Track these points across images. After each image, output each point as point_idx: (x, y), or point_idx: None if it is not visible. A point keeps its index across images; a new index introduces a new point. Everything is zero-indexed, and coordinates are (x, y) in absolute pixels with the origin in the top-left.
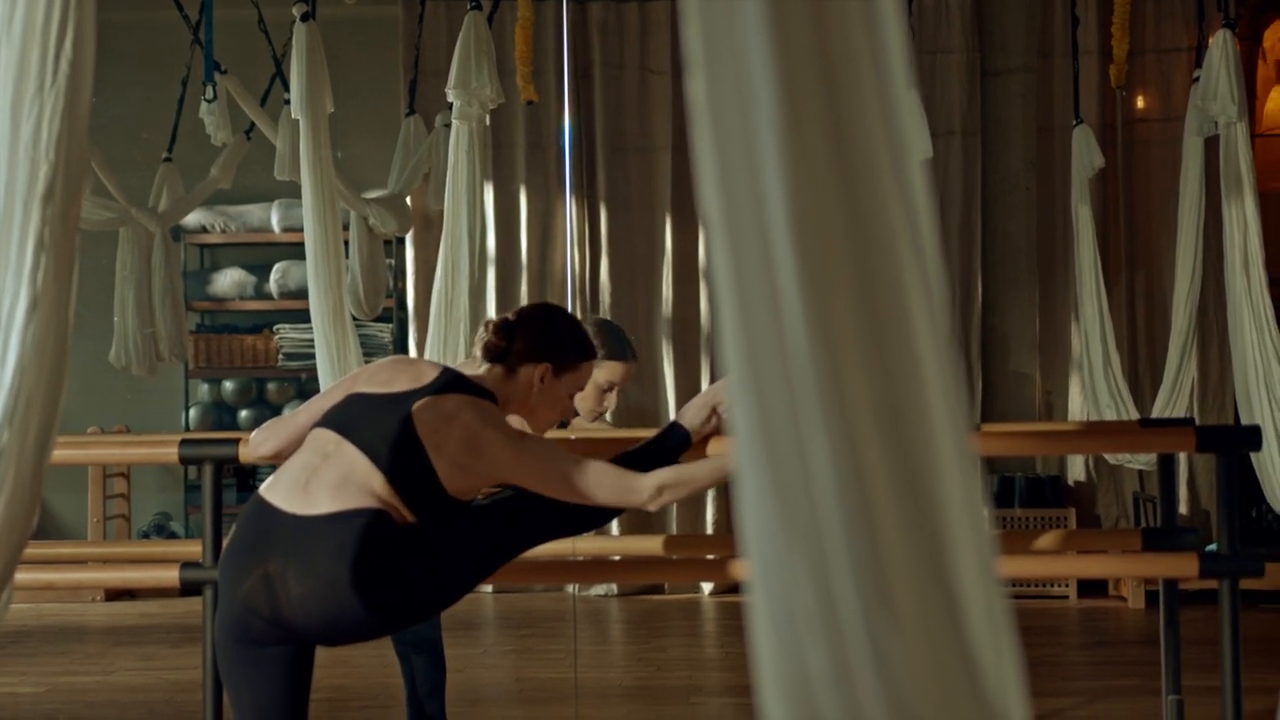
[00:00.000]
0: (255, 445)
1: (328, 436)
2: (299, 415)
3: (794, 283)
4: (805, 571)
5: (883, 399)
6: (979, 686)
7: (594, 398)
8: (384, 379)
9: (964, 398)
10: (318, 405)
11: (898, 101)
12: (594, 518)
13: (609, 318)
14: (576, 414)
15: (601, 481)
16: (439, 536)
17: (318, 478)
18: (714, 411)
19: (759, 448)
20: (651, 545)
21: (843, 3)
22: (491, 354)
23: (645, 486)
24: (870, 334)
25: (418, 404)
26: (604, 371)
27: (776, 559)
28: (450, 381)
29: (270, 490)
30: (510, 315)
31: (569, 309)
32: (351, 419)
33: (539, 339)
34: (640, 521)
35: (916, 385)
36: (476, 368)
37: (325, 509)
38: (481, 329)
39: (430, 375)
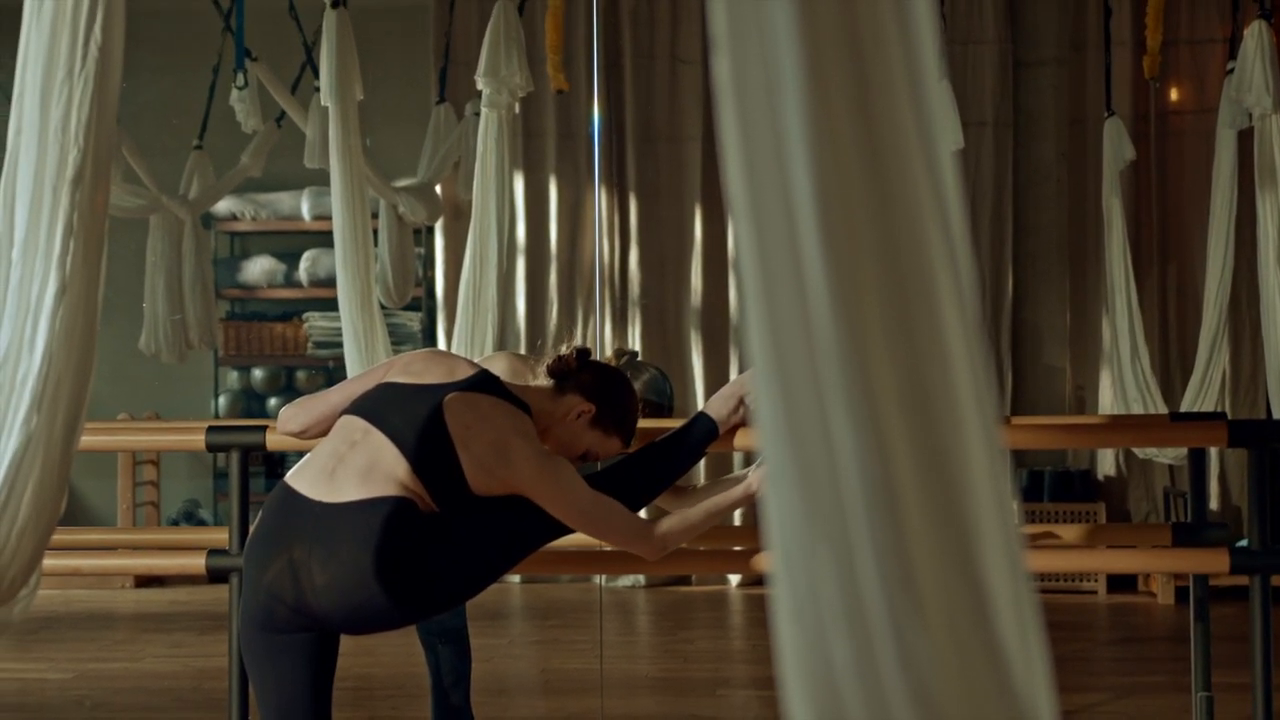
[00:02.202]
0: (284, 421)
1: (356, 424)
2: (331, 395)
3: (820, 272)
4: (830, 562)
5: (910, 389)
6: (1005, 680)
7: None
8: (417, 370)
9: (992, 388)
10: (350, 388)
11: (928, 85)
12: None
13: (659, 367)
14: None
15: (613, 523)
16: (464, 526)
17: (344, 465)
18: (741, 402)
19: (784, 437)
20: None
21: None
22: (557, 368)
23: (652, 538)
24: (898, 323)
25: (449, 396)
26: None
27: (801, 549)
28: (485, 381)
29: (296, 477)
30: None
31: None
32: (381, 407)
33: (603, 385)
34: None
35: (944, 375)
36: (518, 376)
37: (351, 496)
38: (565, 345)
39: (465, 372)
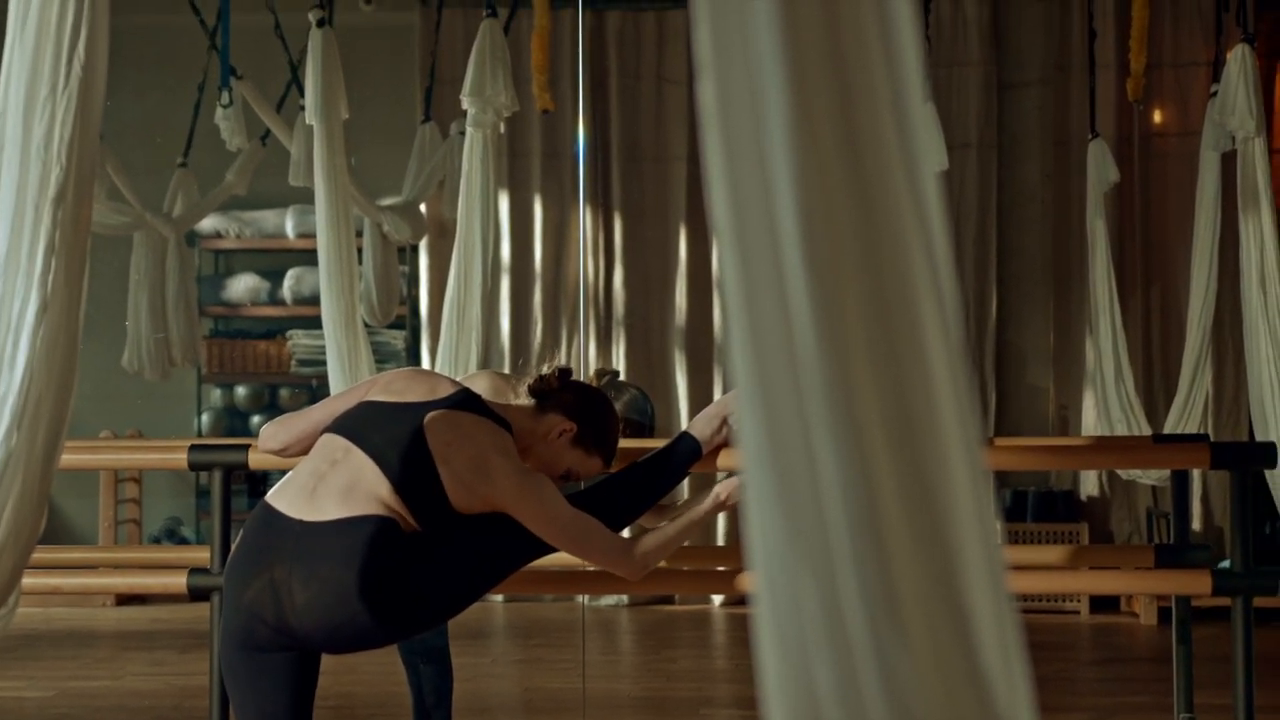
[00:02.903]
0: (265, 439)
1: (337, 443)
2: (312, 413)
3: (804, 292)
4: (812, 585)
5: (893, 411)
6: (988, 703)
7: None
8: (398, 389)
9: (976, 410)
10: (332, 407)
11: (912, 109)
12: None
13: (640, 388)
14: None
15: (594, 541)
16: (446, 545)
17: (325, 484)
18: (724, 422)
19: (767, 459)
20: None
21: (856, 6)
22: (539, 387)
23: (633, 557)
24: (882, 345)
25: (430, 415)
26: None
27: (783, 571)
28: (466, 400)
29: (277, 496)
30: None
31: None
32: (362, 426)
33: (585, 405)
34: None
35: (928, 398)
36: (500, 395)
37: (332, 515)
38: (546, 366)
39: (446, 390)
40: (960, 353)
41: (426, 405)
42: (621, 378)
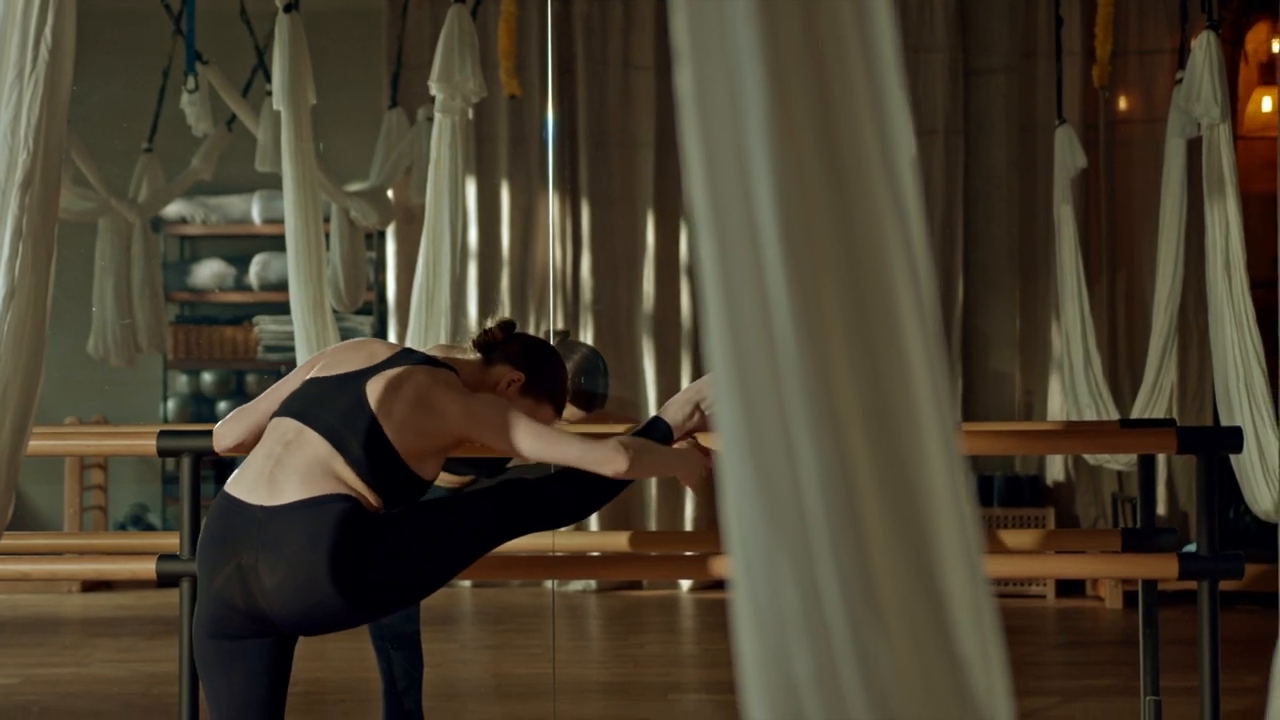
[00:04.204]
0: (219, 438)
1: (287, 424)
2: (260, 403)
3: (782, 279)
4: (790, 572)
5: (871, 397)
6: (965, 688)
7: None
8: (338, 362)
9: (953, 399)
10: (279, 392)
11: (889, 97)
12: (572, 511)
13: (597, 348)
14: None
15: (566, 441)
16: (414, 524)
17: (281, 467)
18: (696, 408)
19: (744, 445)
20: (630, 541)
21: None
22: (484, 341)
23: (610, 447)
24: (859, 332)
25: (371, 379)
26: (566, 410)
27: (761, 559)
28: (407, 356)
29: (235, 485)
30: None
31: (553, 320)
32: (309, 404)
33: (531, 354)
34: (620, 517)
35: (905, 384)
36: (452, 353)
37: (292, 497)
38: (489, 320)
39: (384, 354)
40: (937, 341)
41: (367, 372)
42: (571, 337)
